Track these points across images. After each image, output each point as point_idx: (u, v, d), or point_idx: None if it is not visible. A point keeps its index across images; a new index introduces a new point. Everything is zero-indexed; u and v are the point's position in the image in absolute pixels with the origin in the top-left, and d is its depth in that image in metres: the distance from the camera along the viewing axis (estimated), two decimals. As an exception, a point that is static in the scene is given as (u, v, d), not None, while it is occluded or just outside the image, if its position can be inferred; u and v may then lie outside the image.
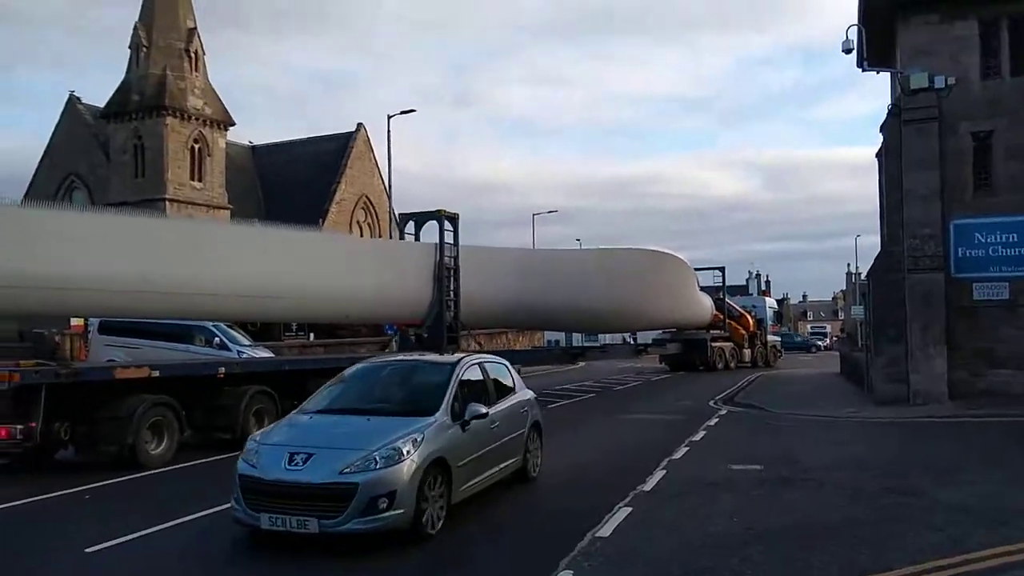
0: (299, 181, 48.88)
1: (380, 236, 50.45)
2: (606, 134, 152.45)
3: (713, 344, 32.87)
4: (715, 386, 26.03)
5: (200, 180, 39.49)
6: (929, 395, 16.88)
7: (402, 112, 33.70)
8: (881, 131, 19.22)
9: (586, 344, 32.47)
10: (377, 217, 50.57)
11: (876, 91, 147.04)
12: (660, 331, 32.13)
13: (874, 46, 19.42)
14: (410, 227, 19.97)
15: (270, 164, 51.36)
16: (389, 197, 51.40)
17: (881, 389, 17.83)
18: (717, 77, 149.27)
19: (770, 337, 38.24)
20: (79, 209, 29.06)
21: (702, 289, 31.65)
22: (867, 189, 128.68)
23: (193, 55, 38.95)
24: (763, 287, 67.62)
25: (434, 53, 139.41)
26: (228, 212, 40.78)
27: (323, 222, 46.17)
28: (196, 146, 39.33)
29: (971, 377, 17.14)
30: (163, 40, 38.08)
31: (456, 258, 18.75)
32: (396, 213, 21.88)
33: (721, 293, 34.28)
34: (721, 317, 33.31)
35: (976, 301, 17.30)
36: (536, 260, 23.52)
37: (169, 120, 37.55)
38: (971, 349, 17.18)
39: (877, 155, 21.23)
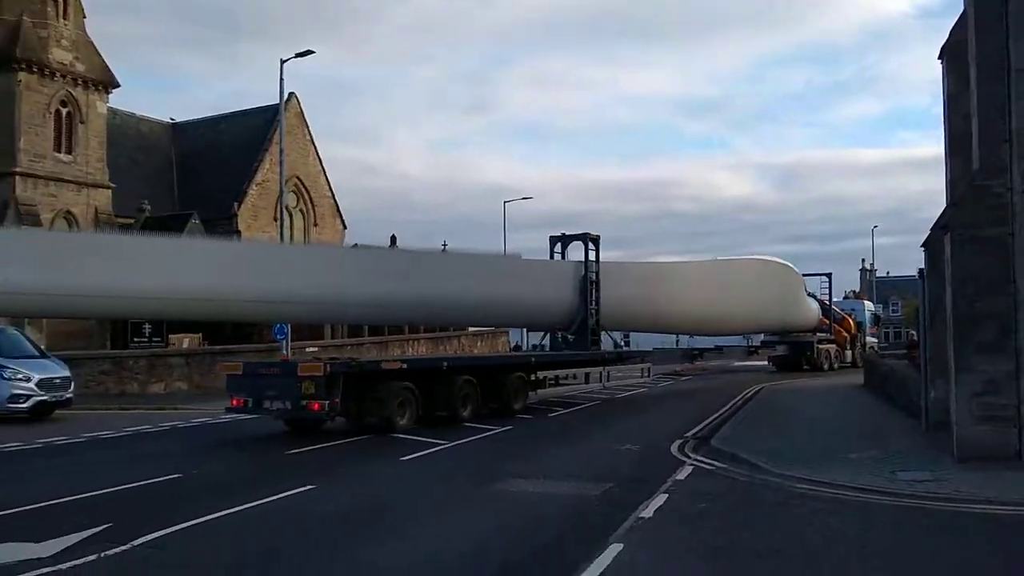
0: (220, 160, 41.50)
1: (315, 223, 43.39)
2: (618, 137, 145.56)
3: (819, 346, 34.45)
4: (706, 405, 19.76)
5: (69, 152, 31.94)
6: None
7: (298, 55, 26.23)
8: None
9: (705, 346, 35.90)
10: (312, 203, 43.05)
11: (885, 92, 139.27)
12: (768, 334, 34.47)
13: None
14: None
15: (191, 142, 43.94)
16: (327, 179, 44.55)
17: (968, 434, 10.05)
18: (728, 79, 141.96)
19: (868, 339, 39.48)
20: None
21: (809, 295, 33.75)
22: (879, 190, 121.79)
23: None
24: (870, 281, 66.35)
25: (442, 59, 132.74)
26: (108, 191, 33.24)
27: (239, 206, 38.67)
28: (64, 110, 31.78)
29: None
30: (19, -22, 30.64)
31: (598, 273, 22.10)
32: (548, 238, 23.75)
33: (828, 299, 36.06)
34: (827, 321, 34.96)
35: None
36: (659, 272, 25.85)
37: (23, 76, 30.07)
38: None
39: (941, 54, 13.50)
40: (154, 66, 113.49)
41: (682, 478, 10.12)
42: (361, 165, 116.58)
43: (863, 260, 69.94)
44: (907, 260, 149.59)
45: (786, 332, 33.42)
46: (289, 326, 25.67)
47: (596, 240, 22.36)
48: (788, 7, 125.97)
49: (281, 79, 26.75)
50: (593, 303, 21.84)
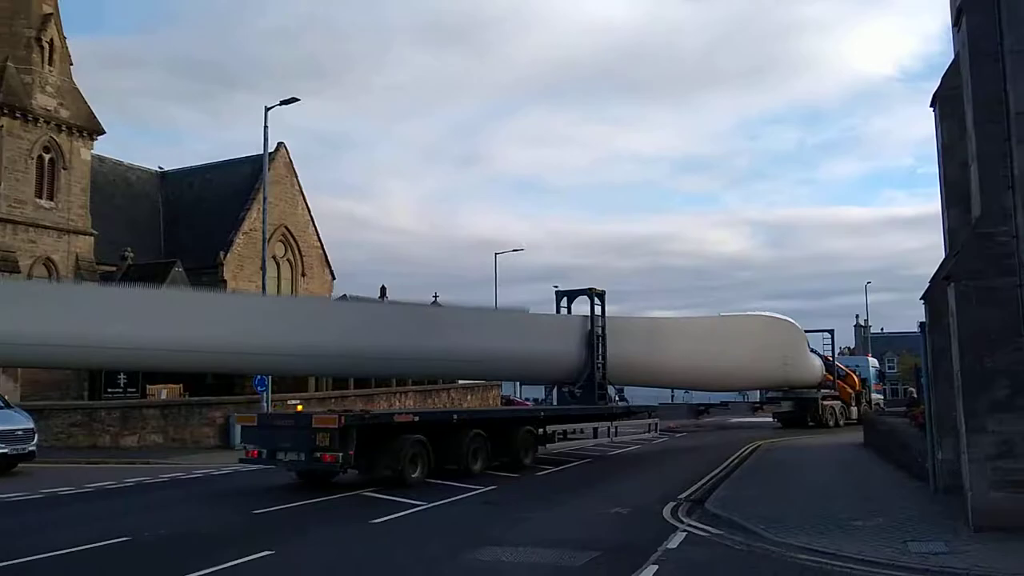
0: (208, 209, 41.09)
1: (303, 274, 42.81)
2: (611, 194, 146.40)
3: (824, 402, 34.12)
4: (701, 464, 18.95)
5: (51, 198, 31.42)
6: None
7: (282, 102, 25.92)
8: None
9: (711, 402, 37.18)
10: (300, 252, 42.47)
11: (870, 152, 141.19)
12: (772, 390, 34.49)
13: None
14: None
15: (179, 191, 43.58)
16: (316, 228, 44.09)
17: (984, 502, 9.25)
18: (721, 137, 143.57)
19: (874, 395, 39.05)
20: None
21: (812, 351, 33.57)
22: (865, 249, 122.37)
23: (47, 45, 31.34)
24: (865, 337, 66.01)
25: (435, 114, 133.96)
26: (90, 238, 32.63)
27: (225, 255, 38.05)
28: (47, 156, 31.36)
29: None
30: (5, 26, 30.52)
31: (604, 327, 22.05)
32: (554, 292, 24.48)
33: (830, 355, 36.03)
34: (831, 377, 34.75)
35: None
36: (663, 327, 25.97)
37: (5, 121, 29.69)
38: None
39: (933, 102, 13.15)
40: (149, 118, 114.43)
41: (674, 546, 9.30)
42: (353, 217, 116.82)
43: (857, 316, 69.51)
44: (898, 316, 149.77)
45: (790, 388, 33.32)
46: (269, 378, 24.84)
47: (602, 295, 22.52)
48: (778, 68, 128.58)
49: (265, 126, 26.38)
50: (599, 357, 21.95)
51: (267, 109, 26.22)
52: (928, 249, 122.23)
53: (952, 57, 12.45)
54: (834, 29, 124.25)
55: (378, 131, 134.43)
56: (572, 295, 23.40)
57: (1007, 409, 9.08)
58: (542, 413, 20.35)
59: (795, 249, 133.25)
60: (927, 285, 12.84)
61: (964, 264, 9.47)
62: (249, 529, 10.96)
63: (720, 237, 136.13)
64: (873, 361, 42.96)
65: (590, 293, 22.56)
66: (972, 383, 9.25)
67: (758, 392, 36.82)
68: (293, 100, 25.87)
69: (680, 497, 13.59)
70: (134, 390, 25.56)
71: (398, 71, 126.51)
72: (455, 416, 17.81)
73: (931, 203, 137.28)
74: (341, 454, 13.97)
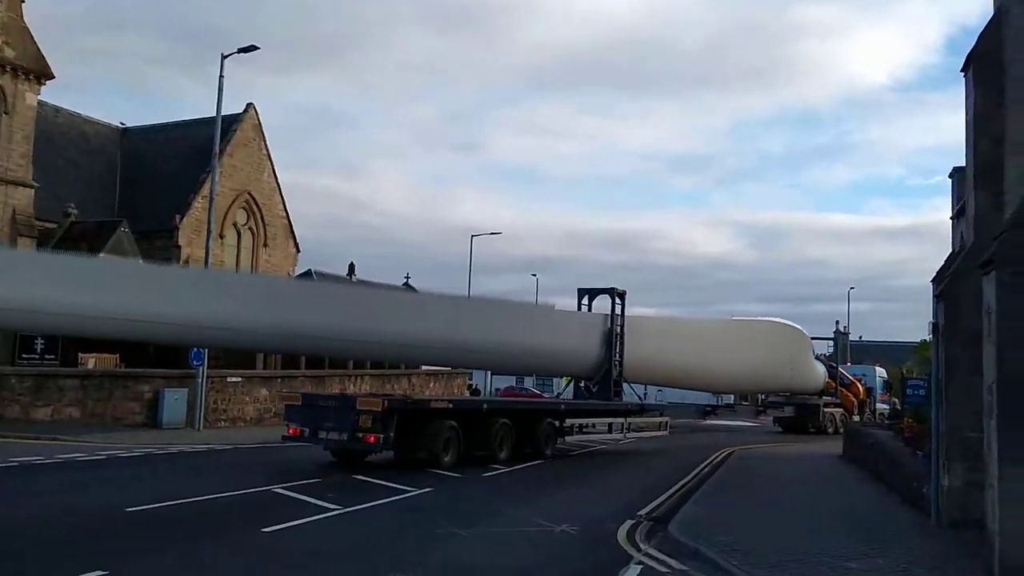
0: (167, 169, 38.51)
1: (265, 244, 40.49)
2: (604, 188, 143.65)
3: (825, 409, 34.19)
4: (669, 470, 17.88)
5: (-13, 144, 28.89)
6: None
7: (240, 50, 23.70)
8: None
9: (718, 403, 38.99)
10: (264, 221, 40.07)
11: (860, 160, 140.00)
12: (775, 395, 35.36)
13: None
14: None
15: (140, 148, 40.90)
16: (282, 198, 41.77)
17: (1019, 549, 7.28)
18: (713, 136, 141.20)
19: (879, 405, 39.05)
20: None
21: (817, 358, 34.28)
22: (848, 258, 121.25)
23: (-14, -27, 28.77)
24: (845, 344, 63.39)
25: (433, 99, 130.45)
26: (30, 191, 30.18)
27: (182, 219, 35.63)
28: (-16, 98, 28.84)
29: None
30: (-59, -50, 27.97)
31: (623, 326, 22.44)
32: (576, 290, 24.55)
33: (834, 362, 37.12)
34: (833, 384, 34.89)
35: None
36: (676, 327, 27.13)
37: (-65, 56, 27.15)
38: None
39: (966, 65, 11.22)
40: (144, 86, 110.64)
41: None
42: (342, 196, 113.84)
43: (837, 323, 67.69)
44: (878, 327, 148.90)
45: (792, 394, 33.73)
46: (206, 352, 22.71)
47: (623, 295, 22.85)
48: (775, 71, 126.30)
49: (221, 75, 24.17)
50: (617, 355, 22.29)
51: (224, 57, 24.04)
52: (911, 261, 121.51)
53: (991, 12, 10.53)
54: (832, 35, 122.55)
55: (376, 112, 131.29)
56: (593, 293, 23.66)
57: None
58: (563, 406, 20.93)
59: (779, 253, 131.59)
60: (943, 280, 10.97)
61: (1012, 247, 7.51)
62: (106, 535, 8.92)
63: (705, 237, 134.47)
64: (880, 371, 42.85)
65: (611, 292, 22.85)
66: (1013, 398, 7.32)
67: (726, 397, 38.54)
68: (252, 48, 23.69)
69: (640, 513, 11.68)
70: (52, 357, 23.27)
71: (402, 53, 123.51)
72: (485, 405, 19.06)
73: (918, 214, 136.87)
74: (383, 435, 14.68)
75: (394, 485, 13.11)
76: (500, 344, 19.91)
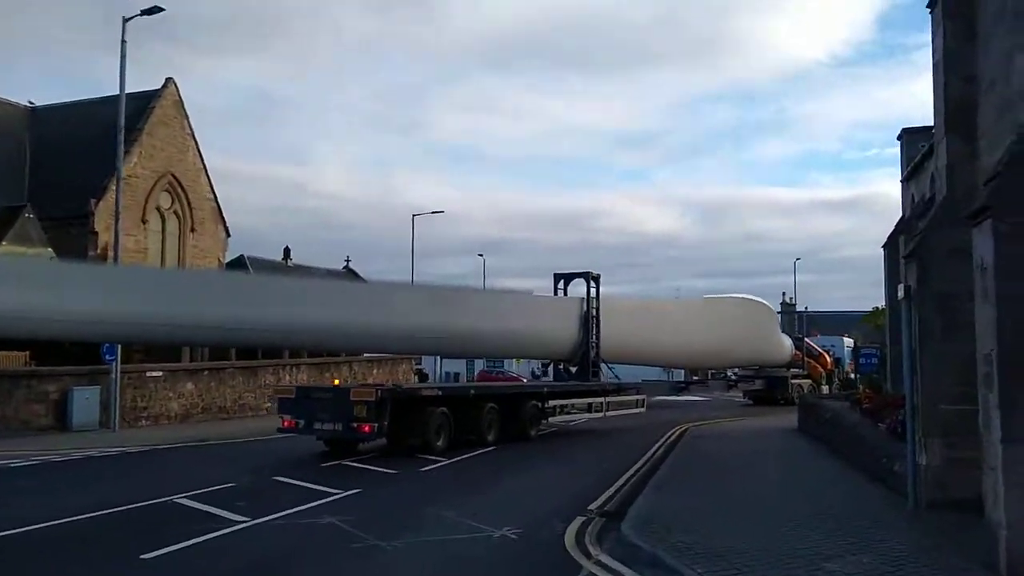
0: (82, 150, 35.76)
1: (193, 229, 38.20)
2: (548, 167, 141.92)
3: (793, 381, 34.81)
4: (624, 451, 17.27)
5: None
6: None
7: (143, 12, 21.63)
8: None
9: (689, 379, 40.78)
10: (190, 204, 37.74)
11: (799, 135, 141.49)
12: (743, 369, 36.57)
13: None
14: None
15: (50, 129, 38.04)
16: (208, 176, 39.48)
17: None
18: (656, 114, 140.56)
19: (852, 375, 39.76)
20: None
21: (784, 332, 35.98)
22: (792, 231, 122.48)
23: None
24: (791, 314, 63.53)
25: (372, 80, 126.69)
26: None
27: (97, 203, 33.21)
28: None
29: None
30: None
31: (598, 308, 23.26)
32: (552, 275, 24.87)
33: (801, 335, 38.60)
34: (800, 356, 35.65)
35: None
36: (649, 307, 27.82)
37: None
38: None
39: (931, 2, 10.13)
40: (77, 71, 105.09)
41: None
42: (284, 180, 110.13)
43: (783, 294, 67.99)
44: (822, 298, 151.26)
45: (761, 367, 34.61)
46: (119, 347, 20.83)
47: (597, 278, 23.42)
48: (714, 48, 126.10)
49: (123, 40, 22.21)
50: (594, 337, 22.95)
51: (125, 20, 22.01)
52: (851, 232, 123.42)
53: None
54: (768, 10, 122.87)
55: (314, 94, 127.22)
56: (568, 277, 24.19)
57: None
58: (545, 389, 21.50)
59: (724, 228, 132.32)
60: (915, 239, 9.94)
61: (1012, 190, 6.38)
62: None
63: (650, 214, 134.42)
64: (848, 341, 44.02)
65: (586, 276, 23.42)
66: (1020, 368, 6.23)
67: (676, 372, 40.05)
68: (156, 10, 21.67)
69: (592, 508, 10.49)
70: (-60, 354, 21.14)
71: (342, 32, 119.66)
72: (472, 391, 19.52)
73: (855, 187, 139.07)
74: (377, 424, 15.06)
75: (318, 487, 11.70)
76: (484, 331, 20.67)
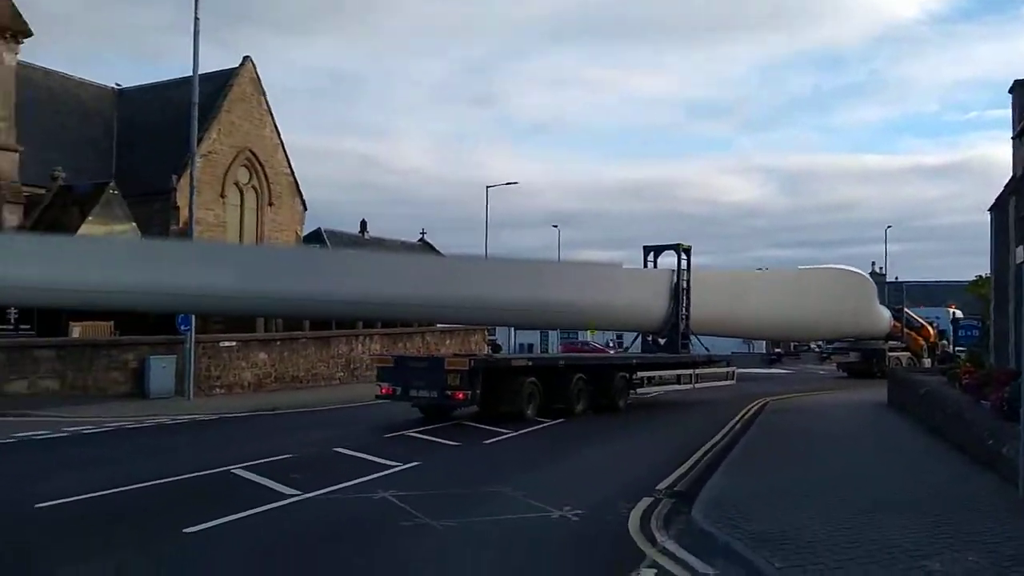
0: (165, 129, 36.67)
1: (271, 203, 38.76)
2: (626, 137, 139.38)
3: (891, 353, 33.97)
4: (698, 427, 16.53)
5: (-37, 106, 27.32)
6: None
7: (212, -15, 21.55)
8: None
9: (780, 351, 41.92)
10: (267, 179, 38.28)
11: (893, 98, 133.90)
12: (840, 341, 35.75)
13: None
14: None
15: (136, 109, 39.18)
16: (286, 154, 39.90)
17: None
18: (735, 82, 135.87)
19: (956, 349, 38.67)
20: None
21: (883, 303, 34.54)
22: (884, 196, 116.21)
23: (-44, -74, 26.87)
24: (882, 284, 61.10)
25: (449, 53, 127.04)
26: (14, 155, 28.63)
27: (178, 179, 33.92)
28: (-42, 58, 27.18)
29: None
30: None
31: (689, 281, 23.03)
32: (642, 247, 25.00)
33: (900, 305, 36.98)
34: (900, 328, 34.83)
35: None
36: (739, 278, 27.87)
37: (-96, 13, 25.44)
38: None
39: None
40: (160, 54, 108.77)
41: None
42: (364, 156, 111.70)
43: (873, 263, 64.61)
44: (913, 267, 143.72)
45: (857, 339, 33.92)
46: (194, 317, 21.13)
47: (688, 250, 23.12)
48: (797, 11, 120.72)
49: (196, 17, 22.22)
50: (684, 309, 22.81)
51: (196, -2, 21.97)
52: (946, 199, 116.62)
53: None
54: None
55: (391, 71, 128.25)
56: (659, 249, 24.08)
57: None
58: (635, 360, 21.46)
59: (810, 197, 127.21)
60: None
61: None
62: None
63: (733, 184, 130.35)
64: (956, 312, 41.63)
65: (677, 248, 23.18)
66: None
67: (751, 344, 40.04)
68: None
69: (659, 488, 9.78)
70: (28, 327, 21.80)
71: (413, 9, 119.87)
72: (562, 361, 19.92)
73: (953, 152, 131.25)
74: (470, 392, 15.64)
75: (377, 460, 11.38)
76: (574, 304, 20.71)
